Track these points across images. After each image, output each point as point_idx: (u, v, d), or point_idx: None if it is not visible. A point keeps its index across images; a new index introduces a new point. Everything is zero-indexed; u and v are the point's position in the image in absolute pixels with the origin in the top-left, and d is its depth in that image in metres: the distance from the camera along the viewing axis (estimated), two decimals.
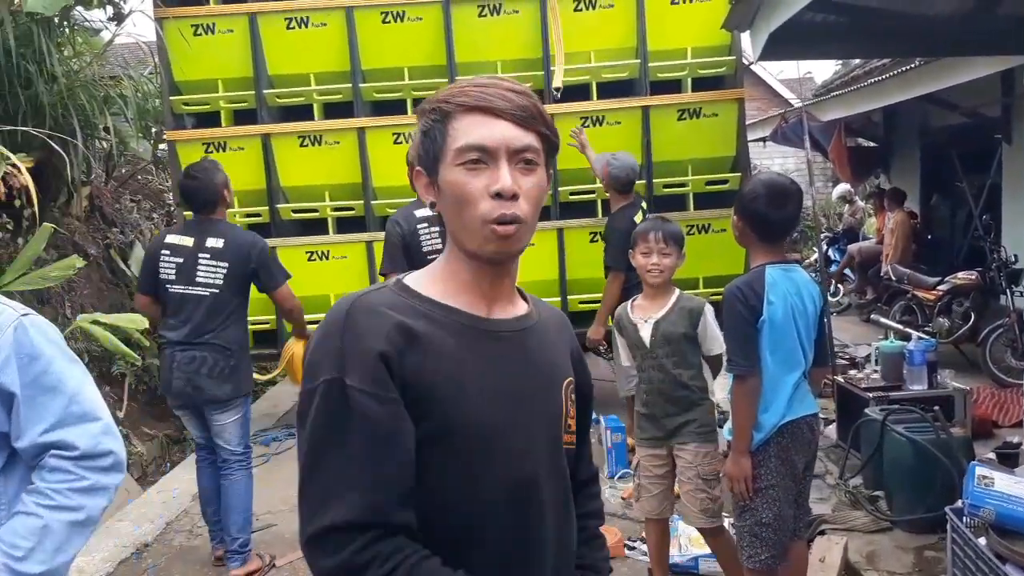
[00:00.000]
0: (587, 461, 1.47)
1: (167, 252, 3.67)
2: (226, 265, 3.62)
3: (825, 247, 11.35)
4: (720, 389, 3.26)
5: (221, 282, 3.62)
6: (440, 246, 3.65)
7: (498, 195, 1.14)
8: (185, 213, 5.64)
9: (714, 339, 3.09)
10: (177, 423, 6.20)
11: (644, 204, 5.13)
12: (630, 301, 3.30)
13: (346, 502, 1.07)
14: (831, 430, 5.36)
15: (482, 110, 1.16)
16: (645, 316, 3.16)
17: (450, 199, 1.18)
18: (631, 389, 5.06)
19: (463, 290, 1.22)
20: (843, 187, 12.99)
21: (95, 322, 5.21)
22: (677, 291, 3.20)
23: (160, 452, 5.77)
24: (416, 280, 1.24)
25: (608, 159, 5.03)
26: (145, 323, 5.47)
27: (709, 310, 3.12)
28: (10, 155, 4.93)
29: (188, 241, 3.66)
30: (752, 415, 2.69)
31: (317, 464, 1.10)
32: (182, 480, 4.99)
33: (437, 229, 3.73)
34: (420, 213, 3.86)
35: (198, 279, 3.62)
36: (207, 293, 3.64)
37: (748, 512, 2.74)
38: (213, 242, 3.63)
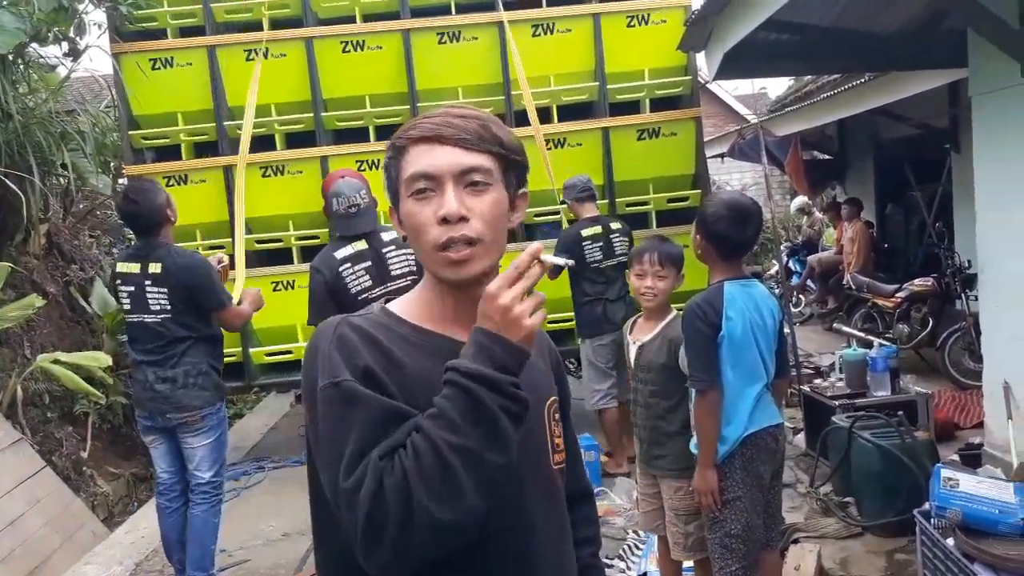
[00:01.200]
0: (580, 477, 1.48)
1: (119, 282, 3.68)
2: (166, 291, 3.60)
3: (785, 259, 11.54)
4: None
5: (169, 306, 3.60)
6: (369, 283, 3.60)
7: (444, 220, 1.15)
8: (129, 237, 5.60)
9: None
10: (144, 459, 6.09)
11: (613, 224, 5.18)
12: (634, 318, 3.27)
13: (347, 470, 1.08)
14: (800, 439, 5.44)
15: (428, 139, 1.18)
16: (637, 338, 3.14)
17: (408, 230, 1.21)
18: (596, 403, 5.13)
19: (441, 315, 1.23)
20: (801, 199, 13.25)
21: (56, 361, 5.13)
22: (671, 315, 3.10)
23: (127, 491, 5.65)
24: (398, 306, 1.27)
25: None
26: (108, 360, 5.40)
27: None
28: None
29: (135, 267, 3.65)
30: (715, 428, 2.72)
31: (340, 451, 1.09)
32: (151, 519, 4.88)
33: (362, 266, 3.67)
34: (340, 254, 3.70)
35: (150, 307, 3.62)
36: (159, 319, 3.62)
37: (717, 524, 2.76)
38: (154, 267, 3.61)
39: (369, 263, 3.69)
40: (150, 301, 3.60)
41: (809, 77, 11.14)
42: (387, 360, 1.15)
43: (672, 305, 3.19)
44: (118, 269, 3.70)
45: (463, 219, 1.15)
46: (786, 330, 5.69)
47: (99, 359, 5.38)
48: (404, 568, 1.04)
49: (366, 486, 1.03)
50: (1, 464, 4.52)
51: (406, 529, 1.02)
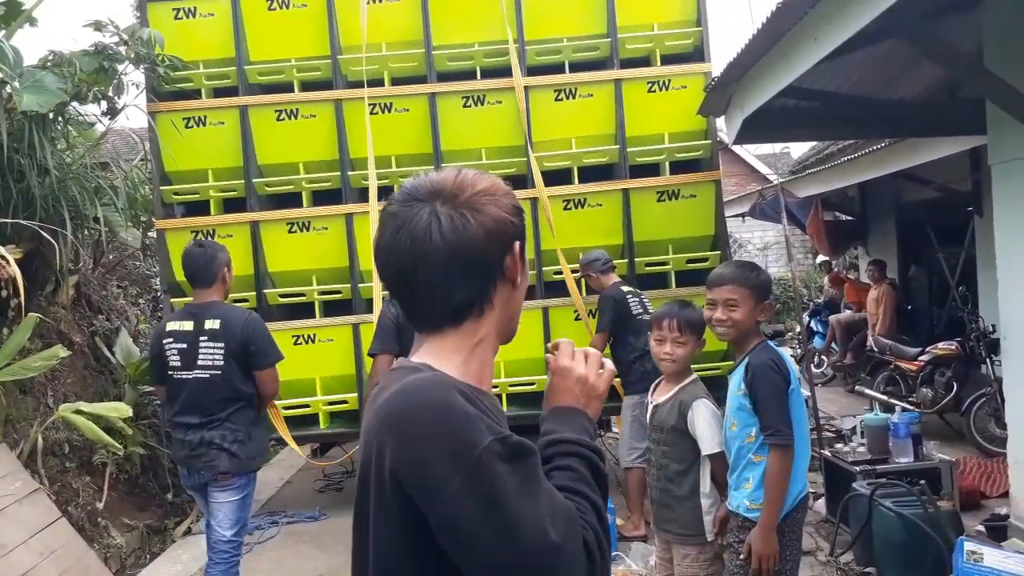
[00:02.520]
0: None
1: (170, 339, 3.71)
2: (222, 345, 3.65)
3: (807, 319, 11.47)
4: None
5: (222, 362, 3.65)
6: None
7: None
8: (174, 301, 5.70)
9: (701, 437, 2.95)
10: (158, 512, 6.09)
11: (629, 287, 5.41)
12: (657, 380, 3.26)
13: (554, 526, 1.06)
14: (820, 504, 5.34)
15: None
16: (655, 399, 3.16)
17: (518, 303, 1.30)
18: (632, 461, 5.09)
19: (489, 378, 1.30)
20: (823, 258, 13.23)
21: (77, 411, 5.17)
22: (688, 378, 3.09)
23: (140, 543, 5.64)
24: (447, 367, 1.22)
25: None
26: (128, 411, 5.45)
27: (701, 405, 2.98)
28: None
29: (188, 325, 3.70)
30: (786, 488, 2.67)
31: (520, 502, 1.05)
32: (163, 572, 4.88)
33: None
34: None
35: (199, 362, 3.65)
36: (208, 376, 3.66)
37: None
38: (211, 323, 3.66)
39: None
40: (202, 357, 3.65)
41: (830, 140, 11.24)
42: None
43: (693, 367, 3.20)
44: (168, 328, 3.75)
45: None
46: (805, 392, 5.70)
47: (119, 410, 5.43)
48: None
49: (573, 543, 1.07)
50: (18, 514, 4.54)
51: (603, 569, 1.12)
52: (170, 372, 3.71)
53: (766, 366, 2.68)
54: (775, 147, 20.29)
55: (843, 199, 11.02)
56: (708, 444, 2.93)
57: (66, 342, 5.75)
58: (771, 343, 2.81)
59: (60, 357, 5.28)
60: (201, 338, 3.65)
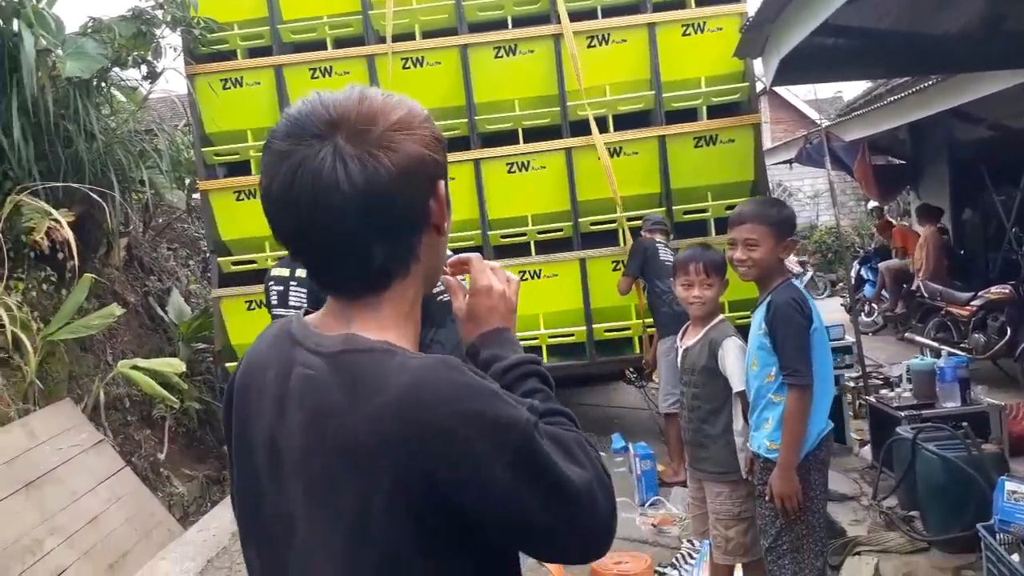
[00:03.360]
0: None
1: (271, 282, 4.17)
2: (305, 291, 4.11)
3: (857, 267, 11.24)
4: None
5: (306, 303, 4.10)
6: None
7: None
8: (220, 260, 5.87)
9: (732, 374, 2.97)
10: (217, 462, 6.35)
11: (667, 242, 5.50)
12: (685, 325, 3.28)
13: (580, 464, 1.02)
14: (865, 451, 5.31)
15: None
16: (685, 342, 3.19)
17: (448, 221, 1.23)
18: (668, 406, 5.12)
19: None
20: (873, 204, 12.90)
21: (135, 367, 5.41)
22: (717, 319, 3.12)
23: (200, 492, 5.90)
24: (392, 336, 1.09)
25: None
26: (182, 367, 5.67)
27: (730, 343, 2.99)
28: (52, 211, 5.18)
29: (284, 272, 4.14)
30: (805, 429, 2.66)
31: (559, 462, 0.99)
32: (222, 519, 5.10)
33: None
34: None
35: (290, 303, 4.12)
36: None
37: (799, 524, 2.70)
38: (300, 272, 4.02)
39: None
40: (292, 298, 4.14)
41: (881, 80, 10.86)
42: None
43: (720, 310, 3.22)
44: (272, 273, 4.23)
45: None
46: (851, 338, 5.62)
47: (174, 365, 5.65)
48: None
49: (596, 466, 1.04)
50: (85, 464, 4.79)
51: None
52: (271, 310, 4.20)
53: (787, 305, 2.65)
54: (826, 91, 19.74)
55: (893, 142, 10.68)
56: (739, 381, 2.94)
57: (121, 302, 5.98)
58: (795, 282, 2.78)
59: (116, 315, 5.50)
60: (291, 283, 4.12)
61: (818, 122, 12.45)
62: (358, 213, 0.96)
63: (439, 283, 1.19)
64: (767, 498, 2.73)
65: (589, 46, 5.79)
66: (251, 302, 5.92)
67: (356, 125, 0.98)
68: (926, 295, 8.47)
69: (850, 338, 5.79)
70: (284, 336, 1.08)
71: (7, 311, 4.85)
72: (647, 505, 4.72)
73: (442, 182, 1.05)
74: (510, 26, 5.89)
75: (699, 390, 3.07)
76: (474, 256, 1.20)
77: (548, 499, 0.97)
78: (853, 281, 9.92)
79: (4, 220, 5.15)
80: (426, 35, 5.97)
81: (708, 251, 3.13)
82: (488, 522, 0.98)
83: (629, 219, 5.80)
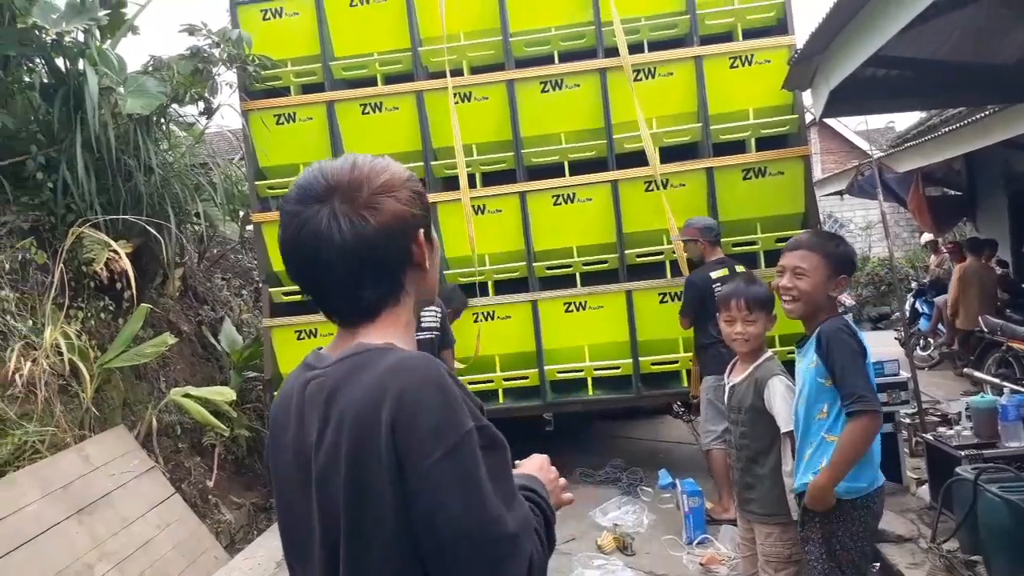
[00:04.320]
0: None
1: None
2: (437, 310, 4.43)
3: (912, 300, 10.96)
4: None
5: (437, 325, 4.43)
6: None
7: None
8: (272, 291, 5.98)
9: (778, 413, 2.88)
10: (264, 491, 6.41)
11: (737, 267, 5.20)
12: (733, 361, 3.19)
13: (512, 516, 1.14)
14: (923, 491, 5.13)
15: None
16: (732, 379, 3.12)
17: (436, 256, 1.38)
18: (707, 444, 5.03)
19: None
20: (930, 235, 12.60)
21: (187, 395, 5.51)
22: (764, 356, 3.03)
23: (247, 520, 5.96)
24: (399, 343, 1.30)
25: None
26: (233, 395, 5.76)
27: (776, 382, 2.92)
28: (111, 242, 5.35)
29: None
30: (861, 457, 2.52)
31: (488, 487, 1.11)
32: (268, 547, 5.14)
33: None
34: (715, 275, 4.86)
35: (423, 325, 4.36)
36: (431, 336, 4.81)
37: (850, 570, 2.61)
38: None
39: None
40: (424, 321, 4.58)
41: (936, 111, 10.67)
42: (479, 404, 1.25)
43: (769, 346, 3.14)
44: None
45: None
46: (906, 373, 5.46)
47: (225, 394, 5.75)
48: None
49: (525, 546, 1.12)
50: (136, 489, 4.88)
51: None
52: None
53: (839, 330, 2.53)
54: (877, 121, 19.41)
55: (948, 173, 10.45)
56: (786, 421, 2.86)
57: (175, 331, 6.12)
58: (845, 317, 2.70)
59: (169, 344, 5.63)
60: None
61: (869, 153, 12.25)
62: (348, 260, 1.20)
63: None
64: (813, 543, 2.65)
65: (635, 79, 5.80)
66: (300, 331, 6.01)
67: (347, 190, 1.22)
68: (986, 330, 8.20)
69: (905, 373, 5.63)
70: (302, 366, 1.31)
71: (66, 339, 5.00)
72: (695, 543, 4.61)
73: (422, 230, 1.27)
74: (556, 61, 5.95)
75: (746, 429, 3.00)
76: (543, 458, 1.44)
77: (462, 506, 1.08)
78: (908, 314, 9.67)
79: (66, 252, 5.33)
80: (474, 71, 6.06)
81: (752, 286, 3.05)
82: (410, 500, 1.09)
83: (673, 251, 5.76)
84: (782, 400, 2.87)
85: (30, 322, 5.11)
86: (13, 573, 3.82)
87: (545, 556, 1.19)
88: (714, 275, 5.13)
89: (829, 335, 2.54)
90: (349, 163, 1.26)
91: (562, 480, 1.40)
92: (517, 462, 1.39)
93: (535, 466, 1.36)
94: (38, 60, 5.67)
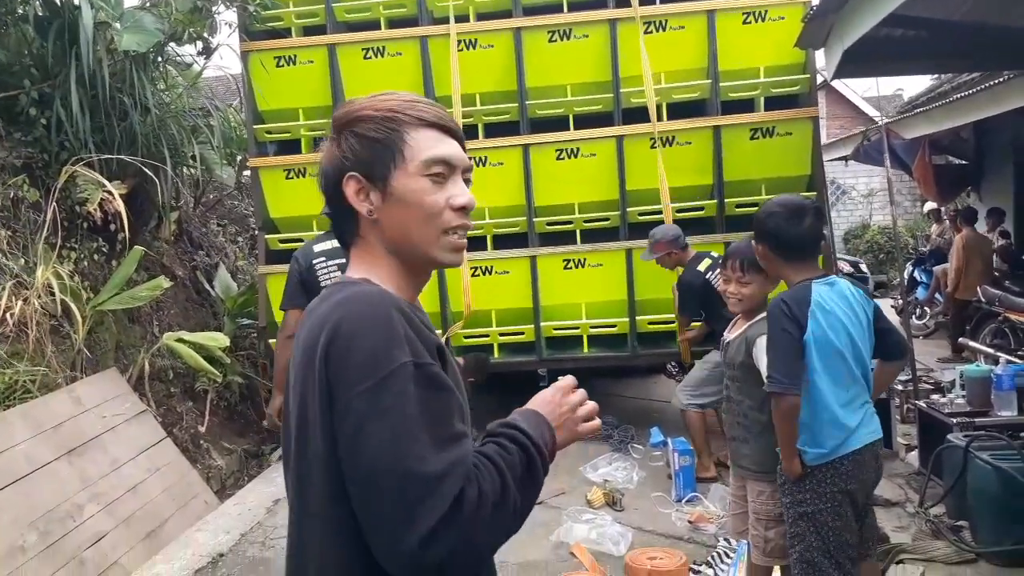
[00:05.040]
0: None
1: (322, 259, 3.67)
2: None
3: (911, 268, 10.93)
4: None
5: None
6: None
7: (462, 208, 1.24)
8: (268, 238, 5.91)
9: (763, 370, 2.84)
10: (256, 437, 6.42)
11: (712, 253, 5.14)
12: (736, 317, 3.17)
13: (440, 457, 1.08)
14: (912, 457, 5.16)
15: (439, 128, 1.25)
16: (728, 336, 3.12)
17: (409, 207, 1.23)
18: (684, 404, 5.06)
19: (409, 289, 1.29)
20: (931, 204, 12.52)
21: (180, 340, 5.48)
22: (761, 315, 2.97)
23: (239, 466, 5.97)
24: (375, 280, 1.26)
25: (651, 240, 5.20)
26: (227, 341, 5.72)
27: (763, 340, 2.86)
28: (106, 183, 5.26)
29: (335, 243, 3.53)
30: (791, 435, 2.60)
31: (413, 424, 1.07)
32: (258, 493, 5.16)
33: (335, 263, 3.61)
34: (318, 248, 3.72)
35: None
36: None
37: (796, 539, 2.66)
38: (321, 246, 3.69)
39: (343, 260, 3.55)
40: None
41: (946, 77, 10.51)
42: (437, 344, 1.20)
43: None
44: (317, 248, 3.71)
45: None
46: (896, 319, 5.40)
47: (218, 340, 5.72)
48: (437, 563, 1.05)
49: (447, 487, 1.05)
50: (127, 433, 4.87)
51: (465, 542, 1.06)
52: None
53: (776, 310, 2.58)
54: (886, 87, 19.20)
55: (956, 141, 10.33)
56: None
57: (169, 275, 6.06)
58: (817, 281, 2.63)
59: (163, 288, 5.58)
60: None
61: (876, 119, 12.11)
62: (323, 186, 1.29)
63: None
64: (787, 506, 2.71)
65: (646, 32, 5.66)
66: None
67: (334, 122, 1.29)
68: (984, 300, 8.18)
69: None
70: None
71: (58, 280, 4.94)
72: (684, 501, 4.63)
73: (356, 176, 1.23)
74: (565, 10, 5.80)
75: (740, 384, 3.01)
76: (572, 380, 1.32)
77: (379, 439, 1.05)
78: (906, 283, 9.65)
79: (59, 190, 5.25)
80: (480, 17, 5.91)
81: (751, 247, 2.97)
82: (336, 429, 1.10)
83: (678, 211, 5.69)
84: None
85: (22, 261, 5.04)
86: (3, 510, 3.82)
87: (504, 496, 1.10)
88: (702, 267, 5.04)
89: (768, 314, 2.66)
90: (348, 102, 1.30)
91: (588, 406, 1.29)
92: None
93: (542, 399, 1.26)
94: None
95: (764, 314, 2.98)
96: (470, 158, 1.32)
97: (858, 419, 2.62)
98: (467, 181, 1.28)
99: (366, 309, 1.14)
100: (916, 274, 10.85)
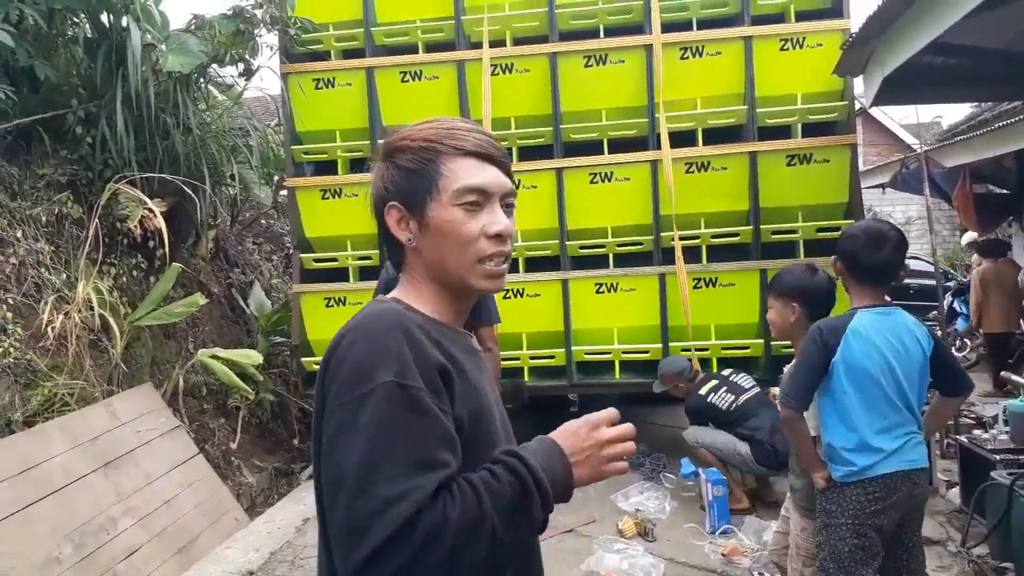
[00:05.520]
0: None
1: None
2: None
3: (950, 299, 10.71)
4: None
5: None
6: None
7: (498, 236, 1.24)
8: (303, 257, 5.95)
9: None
10: (286, 455, 6.44)
11: (724, 371, 5.30)
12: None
13: (406, 478, 1.06)
14: (953, 493, 5.01)
15: (478, 156, 1.25)
16: (788, 367, 3.10)
17: (444, 237, 1.24)
18: (694, 443, 5.13)
19: (448, 312, 1.30)
20: (971, 234, 12.27)
21: (214, 356, 5.53)
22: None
23: (269, 484, 5.99)
24: (410, 301, 1.27)
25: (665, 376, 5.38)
26: (260, 359, 5.77)
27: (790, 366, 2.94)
28: (146, 200, 5.35)
29: None
30: (801, 444, 2.74)
31: (382, 454, 1.06)
32: (288, 512, 5.16)
33: None
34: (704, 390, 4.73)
35: None
36: None
37: (819, 547, 2.70)
38: None
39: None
40: None
41: (987, 104, 10.34)
42: (452, 364, 1.18)
43: None
44: None
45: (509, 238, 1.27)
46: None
47: (252, 357, 5.77)
48: None
49: (401, 508, 1.03)
50: (161, 448, 4.92)
51: (416, 567, 1.03)
52: None
53: (811, 331, 2.69)
54: (925, 115, 18.96)
55: (997, 169, 10.12)
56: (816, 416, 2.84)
57: (205, 292, 6.14)
58: (867, 310, 2.64)
59: (199, 305, 5.64)
60: None
61: (916, 147, 11.95)
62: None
63: None
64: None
65: (682, 58, 5.66)
66: (330, 298, 6.00)
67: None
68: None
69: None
70: None
71: (98, 295, 5.02)
72: (718, 533, 4.55)
73: (396, 205, 1.26)
74: (602, 35, 5.82)
75: None
76: (614, 413, 1.25)
77: (341, 455, 1.07)
78: (945, 313, 9.43)
79: (102, 207, 5.35)
80: (517, 42, 5.95)
81: (782, 275, 3.01)
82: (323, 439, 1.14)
83: (712, 236, 5.64)
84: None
85: (64, 275, 5.14)
86: (41, 521, 3.87)
87: (477, 524, 1.06)
88: (704, 391, 5.15)
89: (807, 334, 2.75)
90: (403, 127, 1.33)
91: (619, 446, 1.20)
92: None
93: (567, 430, 1.20)
94: (83, 14, 5.66)
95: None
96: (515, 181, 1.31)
97: (895, 445, 2.60)
98: (509, 206, 1.28)
99: (368, 324, 1.17)
100: (956, 305, 10.62)
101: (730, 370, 5.28)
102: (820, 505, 2.70)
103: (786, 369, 2.96)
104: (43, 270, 5.03)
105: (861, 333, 2.59)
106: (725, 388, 5.10)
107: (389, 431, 1.07)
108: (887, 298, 2.79)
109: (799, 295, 2.85)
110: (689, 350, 5.64)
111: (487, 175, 1.25)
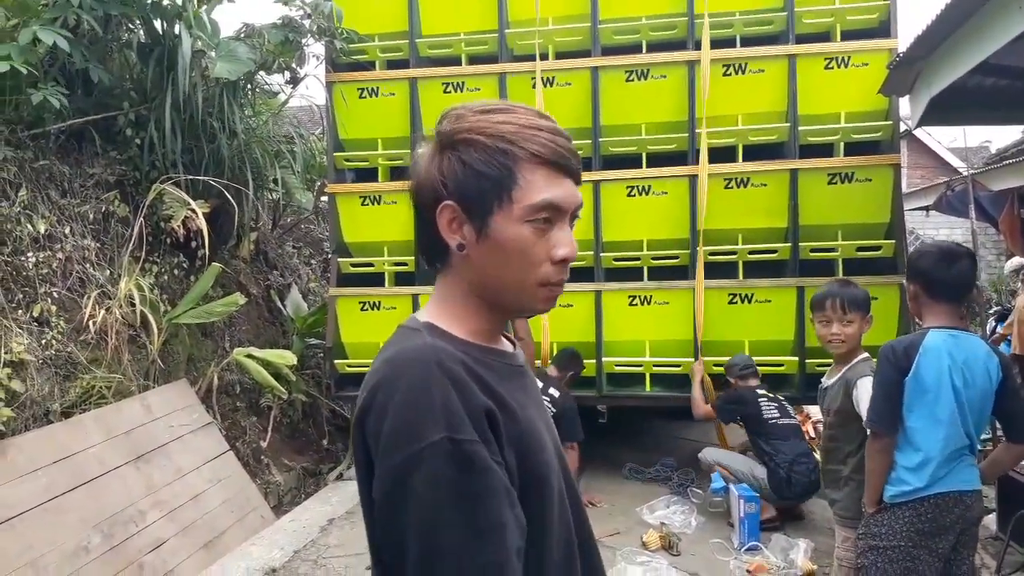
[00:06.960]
0: None
1: None
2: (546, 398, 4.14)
3: (994, 324, 10.45)
4: None
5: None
6: None
7: (563, 261, 1.09)
8: (341, 261, 6.03)
9: (863, 413, 2.83)
10: (315, 456, 6.51)
11: (771, 394, 5.30)
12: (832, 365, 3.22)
13: (470, 553, 0.96)
14: (990, 520, 4.88)
15: (558, 167, 1.09)
16: (826, 382, 3.13)
17: (507, 254, 1.08)
18: (708, 463, 5.37)
19: (489, 330, 1.16)
20: (1017, 260, 11.97)
21: (249, 356, 5.62)
22: (858, 357, 3.01)
23: (296, 483, 6.06)
24: (441, 323, 1.13)
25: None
26: (294, 360, 5.84)
27: (865, 383, 2.87)
28: (190, 201, 5.48)
29: None
30: (881, 473, 2.63)
31: (441, 548, 0.95)
32: (313, 511, 5.21)
33: None
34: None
35: None
36: None
37: (863, 571, 2.67)
38: None
39: None
40: None
41: None
42: (497, 402, 1.05)
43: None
44: None
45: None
46: None
47: (286, 358, 5.84)
48: None
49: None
50: (193, 443, 5.00)
51: None
52: None
53: (883, 352, 2.64)
54: (973, 138, 18.58)
55: None
56: None
57: (243, 293, 6.23)
58: (940, 330, 2.60)
59: (238, 305, 5.75)
60: None
61: (962, 170, 11.72)
62: (414, 197, 1.17)
63: None
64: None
65: (724, 74, 5.64)
66: (365, 303, 6.07)
67: (438, 130, 1.17)
68: None
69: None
70: None
71: (139, 291, 5.14)
72: (744, 550, 4.48)
73: (452, 206, 1.10)
74: (644, 50, 5.82)
75: (834, 432, 3.02)
76: None
77: (409, 531, 0.96)
78: (988, 338, 9.21)
79: (147, 207, 5.49)
80: (559, 56, 5.98)
81: (847, 287, 3.04)
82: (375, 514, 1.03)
83: (751, 252, 5.60)
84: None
85: (107, 272, 5.27)
86: (72, 510, 3.96)
87: None
88: (758, 391, 5.22)
89: (878, 355, 2.70)
90: (464, 109, 1.15)
91: None
92: None
93: None
94: (137, 20, 5.83)
95: (862, 356, 3.00)
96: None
97: (949, 467, 2.57)
98: (574, 218, 1.13)
99: (405, 373, 1.02)
100: (999, 330, 10.36)
101: (783, 397, 5.32)
102: (868, 526, 2.67)
103: (865, 393, 2.84)
104: (88, 266, 5.16)
105: (932, 351, 2.55)
106: (776, 405, 5.14)
107: (450, 498, 0.95)
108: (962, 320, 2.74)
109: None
110: (721, 365, 5.59)
111: (564, 190, 1.09)
